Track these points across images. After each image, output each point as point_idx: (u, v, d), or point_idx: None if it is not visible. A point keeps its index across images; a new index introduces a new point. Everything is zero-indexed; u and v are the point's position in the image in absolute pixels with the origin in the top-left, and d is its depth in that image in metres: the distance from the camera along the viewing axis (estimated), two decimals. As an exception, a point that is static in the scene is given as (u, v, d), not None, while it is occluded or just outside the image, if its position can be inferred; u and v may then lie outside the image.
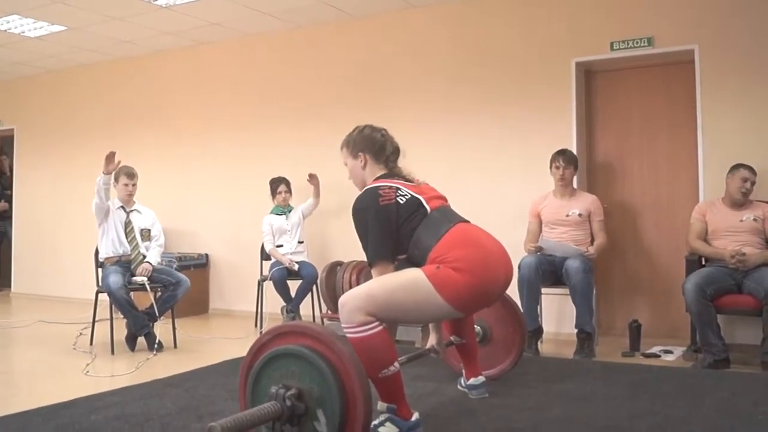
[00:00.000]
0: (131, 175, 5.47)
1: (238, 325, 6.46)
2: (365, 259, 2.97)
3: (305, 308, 6.24)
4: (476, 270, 2.76)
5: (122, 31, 6.97)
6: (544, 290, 5.06)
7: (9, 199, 9.17)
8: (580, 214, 5.10)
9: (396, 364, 2.67)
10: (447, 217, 2.97)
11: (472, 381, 3.52)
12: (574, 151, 5.38)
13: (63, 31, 6.91)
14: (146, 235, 5.51)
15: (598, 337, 5.16)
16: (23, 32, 6.94)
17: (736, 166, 4.70)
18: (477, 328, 3.73)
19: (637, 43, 5.39)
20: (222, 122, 7.40)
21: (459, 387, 3.65)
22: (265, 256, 6.48)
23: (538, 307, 4.99)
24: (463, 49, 6.12)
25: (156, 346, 5.09)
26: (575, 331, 4.85)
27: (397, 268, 2.91)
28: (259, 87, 7.20)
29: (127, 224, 5.43)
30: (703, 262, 4.77)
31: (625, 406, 3.34)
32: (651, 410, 3.25)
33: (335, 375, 2.34)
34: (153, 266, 5.33)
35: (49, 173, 8.72)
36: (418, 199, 2.95)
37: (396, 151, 3.17)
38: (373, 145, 3.12)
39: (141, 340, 5.21)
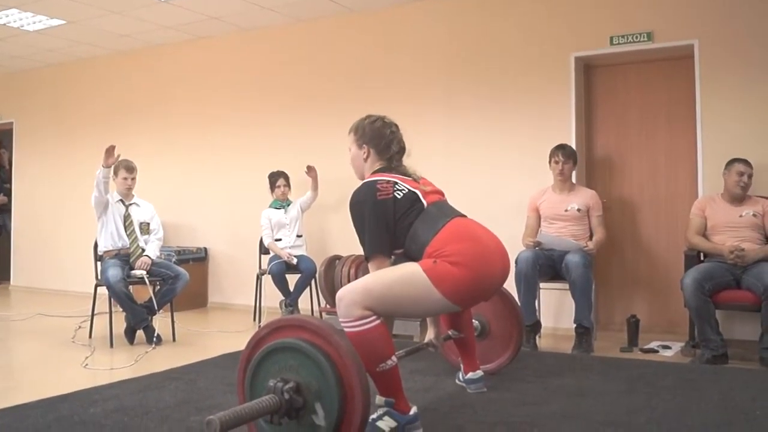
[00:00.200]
0: (130, 168, 5.47)
1: (236, 318, 6.47)
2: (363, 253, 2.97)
3: (304, 302, 6.24)
4: (473, 264, 2.76)
5: (121, 25, 6.96)
6: (542, 285, 5.07)
7: (8, 193, 9.15)
8: (579, 209, 5.10)
9: (393, 358, 2.68)
10: (444, 211, 2.96)
11: (470, 375, 3.52)
12: (573, 146, 5.38)
13: (62, 24, 6.90)
14: (145, 228, 5.51)
15: (597, 332, 5.17)
16: (22, 26, 6.93)
17: (732, 161, 4.71)
18: (475, 322, 3.73)
19: (636, 37, 5.38)
20: (221, 116, 7.39)
21: (457, 381, 3.66)
22: (263, 250, 6.48)
23: (536, 301, 4.99)
24: (462, 44, 6.11)
25: (155, 339, 5.09)
26: (574, 325, 4.85)
27: (394, 263, 2.91)
28: (258, 81, 7.19)
29: (126, 218, 5.43)
30: (702, 258, 4.77)
31: (623, 401, 3.34)
32: (649, 405, 3.26)
33: (333, 369, 2.35)
34: (152, 260, 5.34)
35: (49, 167, 8.72)
36: (415, 194, 2.95)
37: (401, 150, 3.15)
38: (380, 141, 3.10)
39: (140, 334, 5.21)
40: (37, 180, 8.84)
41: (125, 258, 5.32)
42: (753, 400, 3.31)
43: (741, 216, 4.65)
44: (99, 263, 5.42)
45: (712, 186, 4.98)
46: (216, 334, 5.72)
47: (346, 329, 2.65)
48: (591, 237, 5.10)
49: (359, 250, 2.97)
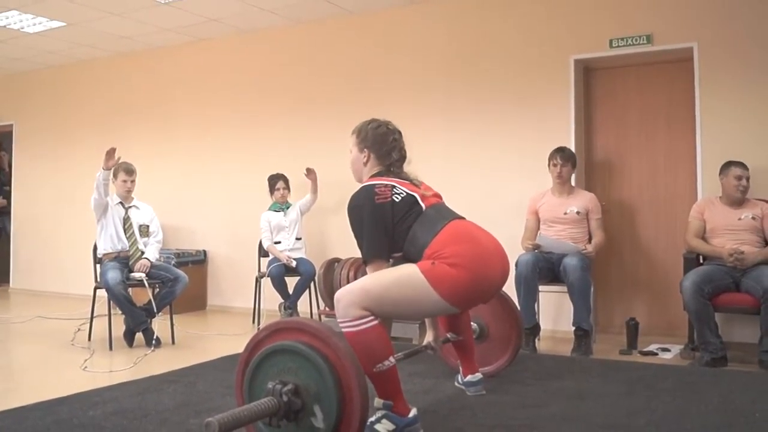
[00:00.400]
0: (130, 171, 5.47)
1: (235, 321, 6.46)
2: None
3: (303, 305, 6.24)
4: (472, 266, 2.76)
5: (121, 27, 6.96)
6: (541, 288, 5.07)
7: (8, 195, 9.17)
8: (578, 212, 5.10)
9: (391, 359, 2.68)
10: (442, 214, 2.97)
11: (469, 378, 3.52)
12: (573, 148, 5.38)
13: (62, 27, 6.91)
14: (145, 231, 5.51)
15: (596, 334, 5.16)
16: (22, 28, 6.94)
17: (728, 165, 4.71)
18: (474, 325, 3.73)
19: (636, 40, 5.39)
20: (221, 118, 7.40)
21: (456, 384, 3.66)
22: (263, 252, 6.48)
23: (536, 304, 4.99)
24: (461, 46, 6.12)
25: (154, 342, 5.09)
26: (573, 328, 4.85)
27: (393, 266, 2.91)
28: (258, 83, 7.20)
29: (126, 220, 5.43)
30: (701, 261, 4.78)
31: (622, 404, 3.34)
32: (648, 408, 3.26)
33: (332, 371, 2.35)
34: (151, 262, 5.34)
35: (48, 169, 8.71)
36: (414, 197, 2.95)
37: (402, 158, 3.15)
38: (381, 147, 3.10)
39: (139, 336, 5.21)
40: (36, 182, 8.84)
41: (124, 261, 5.32)
42: (752, 403, 3.32)
43: (740, 219, 4.65)
44: (98, 266, 5.42)
45: (712, 188, 4.98)
46: (215, 337, 5.72)
47: (344, 329, 2.66)
48: (590, 240, 5.10)
49: (358, 253, 2.97)
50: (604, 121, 5.85)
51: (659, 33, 5.33)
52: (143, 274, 5.22)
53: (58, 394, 3.57)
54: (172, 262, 6.37)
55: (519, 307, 4.39)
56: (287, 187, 6.40)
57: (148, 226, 5.55)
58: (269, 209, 6.39)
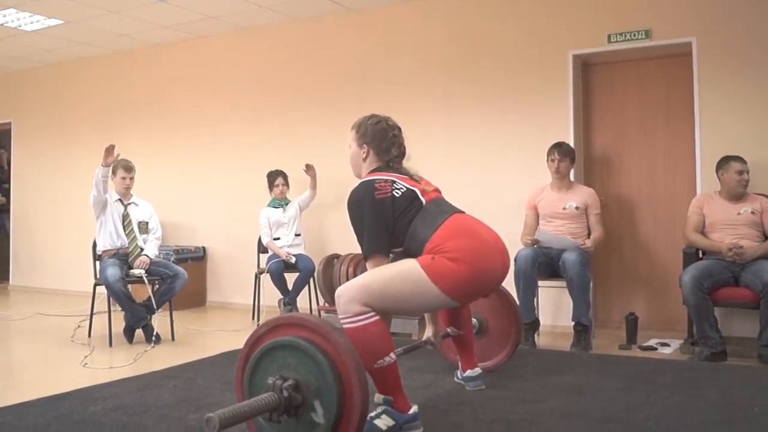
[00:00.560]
0: (129, 168, 5.47)
1: (235, 317, 6.47)
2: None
3: (302, 301, 6.24)
4: (472, 260, 2.77)
5: (119, 25, 6.95)
6: (540, 283, 5.07)
7: (6, 193, 9.16)
8: (577, 207, 5.10)
9: (392, 354, 2.68)
10: (442, 208, 2.97)
11: (468, 373, 3.53)
12: (572, 144, 5.38)
13: (60, 24, 6.89)
14: (144, 227, 5.51)
15: (595, 329, 5.17)
16: (20, 26, 6.92)
17: (726, 160, 4.71)
18: (473, 320, 3.73)
19: (634, 35, 5.38)
20: (219, 115, 7.39)
21: (455, 379, 3.66)
22: (262, 248, 6.49)
23: (535, 299, 5.00)
24: (460, 42, 6.11)
25: (154, 338, 5.09)
26: (572, 323, 4.85)
27: (394, 261, 2.92)
28: (257, 80, 7.19)
29: (125, 217, 5.43)
30: (701, 255, 4.78)
31: (621, 399, 3.35)
32: (647, 402, 3.26)
33: (332, 366, 2.35)
34: (150, 259, 5.34)
35: (47, 166, 8.70)
36: (414, 192, 2.95)
37: (401, 154, 3.15)
38: (381, 143, 3.10)
39: (139, 333, 5.21)
40: (35, 180, 8.83)
41: (124, 257, 5.32)
42: (752, 398, 3.32)
43: (739, 213, 4.65)
44: (98, 263, 5.42)
45: (711, 183, 4.98)
46: (215, 333, 5.73)
47: (344, 325, 2.66)
48: (589, 235, 5.10)
49: (358, 249, 2.97)
50: (603, 117, 5.85)
51: (658, 28, 5.33)
52: (143, 271, 5.22)
53: (58, 391, 3.57)
54: (172, 259, 6.37)
55: (518, 303, 4.39)
56: (286, 184, 6.40)
57: (147, 223, 5.55)
58: (268, 205, 6.40)
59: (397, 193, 2.92)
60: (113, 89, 8.14)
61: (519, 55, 5.85)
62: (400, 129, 3.18)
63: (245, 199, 7.03)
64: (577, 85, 5.72)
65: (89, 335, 5.34)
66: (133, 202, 5.54)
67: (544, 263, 4.93)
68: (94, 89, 8.31)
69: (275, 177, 6.39)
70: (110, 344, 5.07)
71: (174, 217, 7.45)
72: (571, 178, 5.30)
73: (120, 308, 5.19)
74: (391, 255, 2.98)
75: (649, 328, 5.34)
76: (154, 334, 5.12)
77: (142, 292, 5.38)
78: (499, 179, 5.88)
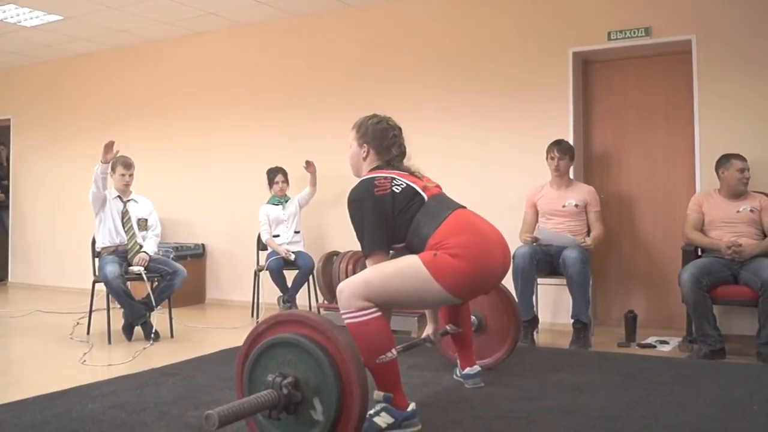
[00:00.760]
0: (128, 165, 5.46)
1: (234, 314, 6.47)
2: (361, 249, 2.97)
3: (302, 298, 6.24)
4: (474, 257, 2.77)
5: (119, 21, 6.94)
6: (540, 280, 5.07)
7: (6, 190, 9.14)
8: (576, 205, 5.10)
9: (393, 351, 2.69)
10: (444, 204, 2.98)
11: (467, 370, 3.53)
12: (571, 141, 5.38)
13: (59, 20, 6.88)
14: (143, 224, 5.50)
15: (594, 327, 5.17)
16: (19, 22, 6.92)
17: (727, 158, 4.70)
18: (472, 317, 3.73)
19: (634, 33, 5.38)
20: (219, 112, 7.38)
21: (454, 376, 3.67)
22: (261, 246, 6.48)
23: (534, 297, 4.99)
24: (459, 39, 6.10)
25: (153, 335, 5.09)
26: (571, 321, 4.85)
27: (395, 258, 2.92)
28: (256, 77, 7.19)
29: (124, 214, 5.42)
30: (700, 253, 4.78)
31: (620, 396, 3.35)
32: (646, 400, 3.27)
33: (331, 363, 2.35)
34: (150, 256, 5.34)
35: (46, 163, 8.70)
36: (414, 188, 2.95)
37: (402, 154, 3.15)
38: (381, 143, 3.11)
39: (138, 330, 5.22)
40: (34, 176, 8.83)
41: (123, 254, 5.32)
42: (750, 395, 3.32)
43: (738, 211, 4.65)
44: (97, 259, 5.42)
45: (710, 181, 4.98)
46: (214, 330, 5.73)
47: (346, 321, 2.67)
48: (589, 233, 5.10)
49: (357, 246, 2.97)
50: (603, 114, 5.85)
51: (657, 26, 5.32)
52: (142, 268, 5.22)
53: (56, 388, 3.56)
54: (171, 256, 6.36)
55: (517, 300, 4.39)
56: (286, 181, 6.39)
57: (146, 220, 5.54)
58: (268, 202, 6.39)
59: (397, 189, 2.92)
60: (113, 85, 8.13)
61: (519, 52, 5.85)
62: (400, 129, 3.19)
63: (245, 196, 7.02)
64: (577, 82, 5.72)
65: (88, 332, 5.33)
66: (132, 199, 5.54)
67: (543, 261, 4.92)
68: (93, 85, 8.30)
69: (275, 174, 6.38)
70: (109, 341, 5.07)
71: (173, 214, 7.44)
72: (571, 175, 5.30)
73: (119, 305, 5.19)
74: (391, 252, 2.98)
75: (648, 326, 5.34)
76: (153, 331, 5.12)
77: (141, 290, 5.38)
78: (499, 177, 5.88)
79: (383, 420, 2.72)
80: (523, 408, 3.16)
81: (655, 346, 4.85)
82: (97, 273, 5.33)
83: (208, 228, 7.44)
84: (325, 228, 6.72)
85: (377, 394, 2.73)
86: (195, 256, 7.28)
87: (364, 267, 2.94)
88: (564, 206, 5.11)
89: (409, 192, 2.93)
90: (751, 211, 4.64)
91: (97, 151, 5.11)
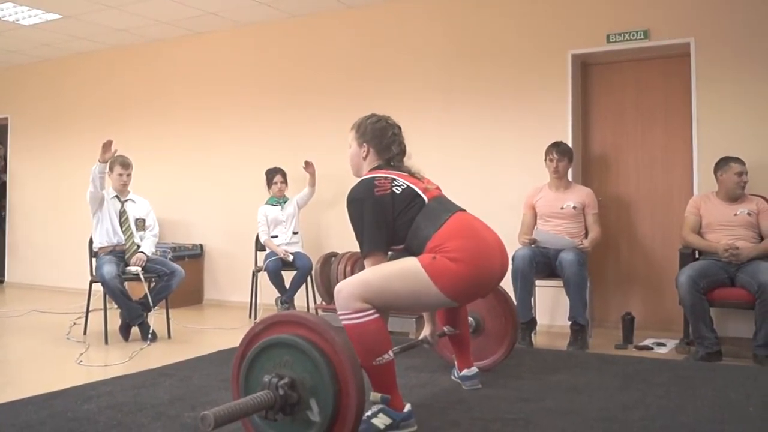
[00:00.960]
0: (126, 164, 5.45)
1: (232, 315, 6.46)
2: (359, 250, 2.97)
3: (300, 299, 6.23)
4: (472, 260, 2.77)
5: (117, 20, 6.94)
6: (537, 282, 5.07)
7: (3, 189, 9.13)
8: (574, 207, 5.10)
9: (390, 352, 2.68)
10: (445, 206, 2.97)
11: (465, 372, 3.52)
12: (570, 143, 5.38)
13: (58, 19, 6.88)
14: (141, 224, 5.50)
15: (592, 329, 5.17)
16: (17, 20, 6.91)
17: (725, 161, 4.71)
18: (470, 319, 3.73)
19: (633, 35, 5.39)
20: (217, 112, 7.38)
21: (452, 378, 3.66)
22: (259, 246, 6.48)
23: (532, 299, 4.99)
24: (459, 40, 6.11)
25: (150, 336, 5.08)
26: (569, 323, 4.86)
27: (393, 259, 2.92)
28: (255, 77, 7.18)
29: (122, 214, 5.42)
30: (697, 256, 4.79)
31: (617, 398, 3.35)
32: (643, 402, 3.27)
33: (328, 364, 2.35)
34: (147, 256, 5.33)
35: (44, 162, 8.69)
36: (414, 190, 2.95)
37: (402, 152, 3.15)
38: (381, 142, 3.11)
39: (135, 330, 5.21)
40: (32, 176, 8.81)
41: (120, 254, 5.31)
42: (747, 397, 3.32)
43: (735, 214, 4.66)
44: (94, 260, 5.41)
45: (708, 184, 4.99)
46: (211, 331, 5.72)
47: (343, 321, 2.67)
48: (587, 235, 5.10)
49: (355, 247, 2.96)
50: (601, 116, 5.86)
51: (656, 28, 5.33)
52: (139, 268, 5.21)
53: (53, 388, 3.56)
54: (169, 256, 6.36)
55: (515, 302, 4.39)
56: (285, 181, 6.39)
57: (144, 220, 5.54)
58: (266, 203, 6.39)
59: (397, 190, 2.92)
60: (111, 85, 8.13)
61: (518, 54, 5.85)
62: (399, 128, 3.18)
63: (243, 196, 7.02)
64: (576, 84, 5.72)
65: (85, 332, 5.33)
66: (130, 199, 5.53)
67: (542, 263, 4.92)
68: (92, 85, 8.29)
69: (274, 174, 6.38)
70: (106, 342, 5.06)
71: (171, 214, 7.44)
72: (569, 177, 5.30)
73: (116, 306, 5.18)
74: (390, 253, 2.98)
75: (646, 328, 5.35)
76: (151, 331, 5.11)
77: (139, 290, 5.37)
78: (497, 178, 5.88)
79: (381, 421, 2.71)
80: (520, 409, 3.16)
81: (652, 348, 4.85)
82: (94, 273, 5.33)
83: (206, 228, 7.43)
84: (324, 229, 6.71)
85: (374, 396, 2.73)
86: (193, 256, 7.27)
87: (362, 268, 2.93)
88: (562, 208, 5.11)
89: (410, 193, 2.93)
90: (749, 214, 4.65)
91: (96, 150, 5.11)
